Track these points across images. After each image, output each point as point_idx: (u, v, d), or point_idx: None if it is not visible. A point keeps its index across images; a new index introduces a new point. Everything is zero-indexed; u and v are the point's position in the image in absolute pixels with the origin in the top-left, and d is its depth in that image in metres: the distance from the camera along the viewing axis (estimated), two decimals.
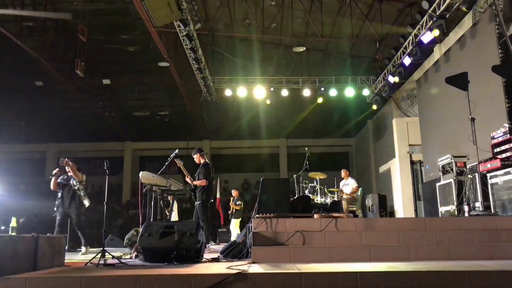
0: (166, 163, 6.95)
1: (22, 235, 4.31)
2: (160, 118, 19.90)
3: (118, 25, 12.56)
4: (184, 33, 10.20)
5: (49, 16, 9.20)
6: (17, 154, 19.89)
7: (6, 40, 10.92)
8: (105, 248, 4.95)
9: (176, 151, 7.09)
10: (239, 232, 10.59)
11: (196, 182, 7.26)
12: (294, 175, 9.17)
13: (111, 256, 5.01)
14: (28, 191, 18.64)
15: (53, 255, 4.46)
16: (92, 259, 4.84)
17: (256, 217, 5.60)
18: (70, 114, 18.45)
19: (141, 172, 6.29)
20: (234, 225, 11.83)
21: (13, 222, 4.70)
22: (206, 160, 7.50)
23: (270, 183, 6.06)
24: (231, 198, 12.27)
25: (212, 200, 7.79)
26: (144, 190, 6.44)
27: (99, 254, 4.85)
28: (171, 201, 10.08)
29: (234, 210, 11.98)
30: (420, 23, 10.00)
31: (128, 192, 19.73)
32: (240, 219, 11.94)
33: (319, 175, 9.23)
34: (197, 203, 7.24)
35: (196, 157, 7.51)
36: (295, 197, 7.49)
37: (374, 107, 14.00)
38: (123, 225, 15.48)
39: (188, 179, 7.32)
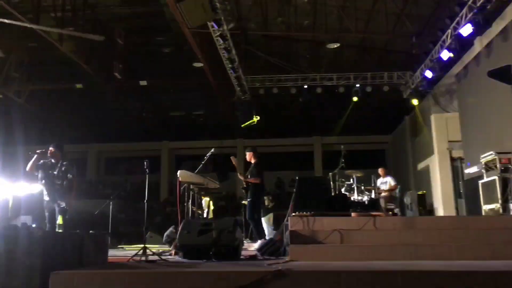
0: (203, 162, 7.06)
1: (69, 232, 4.51)
2: (195, 117, 20.19)
3: (153, 28, 12.82)
4: (218, 33, 10.30)
5: (84, 36, 9.55)
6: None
7: (48, 45, 11.36)
8: (146, 245, 5.09)
9: (212, 150, 7.22)
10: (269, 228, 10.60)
11: (250, 180, 7.32)
12: (330, 173, 9.09)
13: (152, 253, 5.14)
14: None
15: (97, 252, 4.63)
16: (134, 255, 4.99)
17: (293, 215, 5.60)
18: (109, 115, 19.00)
19: (179, 171, 6.41)
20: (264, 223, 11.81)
21: (60, 220, 4.91)
22: (257, 160, 7.57)
23: (306, 182, 6.07)
24: None
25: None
26: (182, 189, 6.56)
27: (141, 251, 4.98)
28: (208, 200, 10.23)
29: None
30: (459, 15, 9.68)
31: (166, 190, 20.15)
32: (270, 216, 11.88)
33: (356, 173, 9.11)
34: (248, 200, 7.32)
35: (249, 155, 7.57)
36: (331, 196, 7.44)
37: (415, 102, 13.66)
38: (161, 222, 15.79)
39: (241, 177, 7.40)
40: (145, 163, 5.74)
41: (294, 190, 5.97)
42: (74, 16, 11.11)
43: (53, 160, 6.49)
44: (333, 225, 5.26)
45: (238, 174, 7.49)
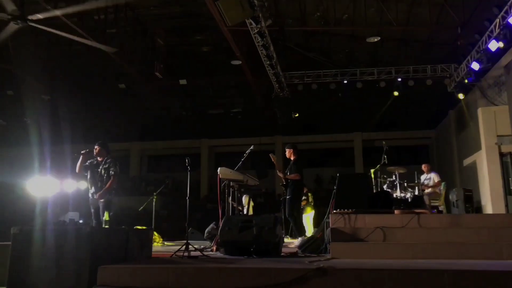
0: (242, 159, 7.11)
1: (114, 227, 4.67)
2: (234, 115, 20.34)
3: (192, 27, 13.00)
4: (256, 31, 10.32)
5: (97, 46, 9.82)
6: None
7: (92, 47, 11.76)
8: (188, 241, 5.19)
9: (252, 147, 7.26)
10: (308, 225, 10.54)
11: (290, 176, 7.36)
12: (371, 170, 8.92)
13: (194, 249, 5.24)
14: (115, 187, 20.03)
15: (141, 247, 4.77)
16: (177, 251, 5.10)
17: (334, 213, 5.56)
18: (151, 114, 19.48)
19: (219, 168, 6.49)
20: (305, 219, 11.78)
21: (106, 216, 5.09)
22: (297, 157, 7.58)
23: (347, 179, 6.00)
24: None
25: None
26: (222, 186, 6.64)
27: (183, 247, 5.09)
28: (244, 196, 10.31)
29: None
30: (508, 3, 9.22)
31: (206, 187, 20.46)
32: (308, 214, 11.83)
33: (398, 170, 8.90)
34: (287, 197, 7.34)
35: (288, 152, 7.63)
36: (373, 193, 7.31)
37: (461, 96, 13.17)
38: (202, 218, 16.06)
39: (280, 174, 7.45)
40: (186, 160, 5.85)
41: (335, 187, 5.91)
42: (116, 18, 11.46)
43: (99, 158, 6.77)
44: (375, 222, 5.18)
45: (277, 171, 7.53)
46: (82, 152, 6.65)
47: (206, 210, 17.29)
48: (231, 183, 6.65)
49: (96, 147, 6.78)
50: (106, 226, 4.99)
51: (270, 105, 15.01)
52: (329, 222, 5.40)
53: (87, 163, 6.77)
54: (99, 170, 6.74)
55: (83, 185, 13.09)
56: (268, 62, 11.95)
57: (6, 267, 3.97)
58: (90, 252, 3.85)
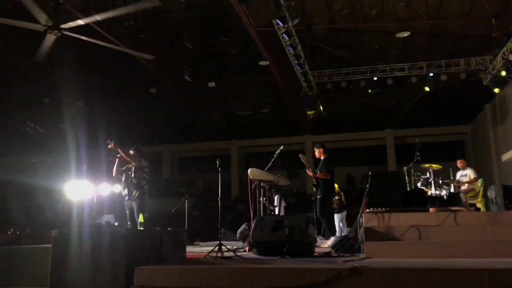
0: (272, 160, 7.11)
1: (149, 229, 4.78)
2: (263, 115, 20.37)
3: (219, 29, 13.12)
4: (283, 30, 10.30)
5: (136, 54, 10.11)
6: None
7: (123, 53, 12.05)
8: (221, 242, 5.23)
9: (281, 147, 7.25)
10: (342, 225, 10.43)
11: (319, 175, 7.36)
12: (404, 168, 8.75)
13: (227, 249, 5.28)
14: (149, 189, 20.43)
15: (175, 248, 4.85)
16: (210, 252, 5.16)
17: (367, 212, 5.49)
18: (181, 117, 19.77)
19: (249, 169, 6.52)
20: (337, 219, 11.65)
21: (141, 218, 5.20)
22: (327, 156, 7.55)
23: (379, 177, 5.91)
24: None
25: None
26: (253, 186, 6.66)
27: (217, 247, 5.13)
28: (277, 197, 10.30)
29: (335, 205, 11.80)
30: None
31: (236, 188, 20.56)
32: (343, 213, 11.71)
33: (433, 166, 8.68)
34: (318, 197, 7.32)
35: (318, 152, 7.62)
36: (407, 191, 7.17)
37: (497, 90, 12.73)
38: (233, 219, 16.16)
39: (310, 173, 7.45)
40: (217, 162, 5.92)
41: (367, 186, 5.83)
42: (145, 24, 11.68)
43: (134, 162, 7.03)
44: (410, 221, 5.08)
45: (307, 170, 7.50)
46: (117, 156, 6.88)
47: (237, 210, 17.39)
48: (262, 184, 6.66)
49: (130, 151, 7.07)
50: (141, 228, 5.09)
51: (299, 104, 14.94)
52: (362, 221, 5.34)
53: (123, 168, 7.07)
54: (131, 173, 6.89)
55: (117, 188, 13.43)
56: (296, 61, 11.90)
57: (47, 268, 4.12)
58: (126, 254, 3.95)
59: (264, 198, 6.90)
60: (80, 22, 8.19)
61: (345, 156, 20.16)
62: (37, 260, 4.59)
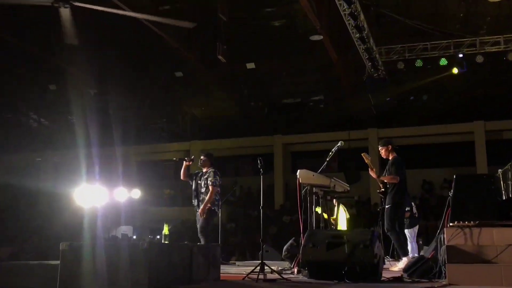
0: (328, 159, 7.07)
1: (176, 243, 4.87)
2: (314, 104, 20.29)
3: None
4: None
5: (173, 23, 10.36)
6: (160, 154, 22.31)
7: (144, 30, 12.32)
8: (264, 261, 5.26)
9: (339, 143, 7.19)
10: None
11: (386, 178, 7.24)
12: (499, 170, 8.49)
13: (270, 270, 5.30)
14: (173, 196, 20.85)
15: (208, 267, 4.93)
16: (250, 273, 5.20)
17: (450, 226, 5.37)
18: (213, 107, 19.97)
19: (299, 171, 6.50)
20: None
21: (165, 230, 5.30)
22: (396, 155, 7.44)
23: (467, 181, 5.74)
24: None
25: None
26: (302, 192, 6.65)
27: (258, 268, 5.17)
28: (335, 206, 10.25)
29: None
30: None
31: (281, 195, 20.58)
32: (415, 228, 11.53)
33: None
34: (386, 206, 7.22)
35: (384, 151, 7.50)
36: (503, 199, 6.95)
37: None
38: (278, 233, 16.21)
39: (374, 175, 7.36)
40: (258, 161, 5.96)
41: (451, 193, 5.69)
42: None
43: (204, 169, 7.75)
44: (507, 238, 4.94)
45: (371, 172, 7.37)
46: (185, 159, 7.77)
47: (282, 223, 17.43)
48: (314, 189, 6.64)
49: (201, 157, 7.80)
50: (166, 242, 5.21)
51: (362, 89, 14.78)
52: (443, 238, 5.24)
53: (192, 173, 7.83)
54: (199, 181, 7.66)
55: (136, 194, 13.78)
56: (358, 35, 11.79)
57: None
58: (148, 272, 4.04)
59: (318, 207, 6.87)
60: None
61: (420, 156, 19.70)
62: (43, 278, 4.77)
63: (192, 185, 7.80)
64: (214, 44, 12.24)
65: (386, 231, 7.29)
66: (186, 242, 4.76)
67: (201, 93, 18.59)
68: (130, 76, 16.26)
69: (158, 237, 7.27)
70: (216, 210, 7.77)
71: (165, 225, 5.35)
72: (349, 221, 10.89)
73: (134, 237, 10.95)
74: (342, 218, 10.51)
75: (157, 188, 20.36)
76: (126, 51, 15.07)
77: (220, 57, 12.06)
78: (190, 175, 7.82)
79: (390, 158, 7.45)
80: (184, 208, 17.14)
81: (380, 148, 7.60)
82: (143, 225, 15.54)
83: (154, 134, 21.07)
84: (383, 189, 7.37)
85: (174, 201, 20.62)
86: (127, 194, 13.22)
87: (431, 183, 19.41)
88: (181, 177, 7.90)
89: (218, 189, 7.67)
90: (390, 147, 7.50)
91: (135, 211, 14.80)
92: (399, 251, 7.35)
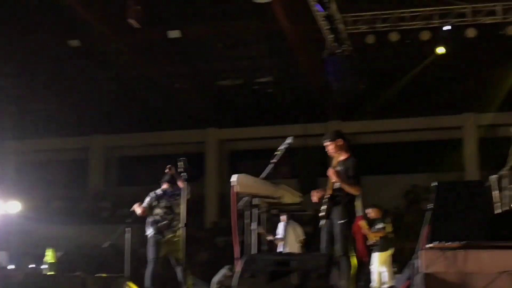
0: (275, 161, 7.10)
1: (64, 274, 4.77)
2: (260, 87, 20.32)
3: None
4: None
5: None
6: (46, 153, 21.76)
7: None
8: None
9: (289, 140, 7.18)
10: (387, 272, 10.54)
11: (347, 187, 7.06)
12: (492, 176, 8.83)
13: None
14: (65, 210, 20.34)
15: None
16: None
17: (428, 247, 5.54)
18: (121, 88, 19.64)
19: (235, 176, 6.48)
20: (379, 262, 11.77)
21: (50, 257, 5.17)
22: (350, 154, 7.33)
23: (451, 191, 5.93)
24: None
25: None
26: (240, 205, 6.66)
27: None
28: (282, 223, 10.37)
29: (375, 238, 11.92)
30: None
31: (214, 209, 20.57)
32: (389, 252, 11.86)
33: None
34: (338, 222, 7.16)
35: (333, 146, 7.34)
36: (495, 213, 7.23)
37: None
38: (209, 260, 16.23)
39: (333, 175, 7.15)
40: (179, 164, 5.92)
41: (428, 206, 5.87)
42: None
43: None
44: (499, 263, 5.15)
45: (331, 173, 7.21)
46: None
47: (215, 246, 17.46)
48: (256, 201, 6.67)
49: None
50: (51, 272, 5.09)
51: (322, 70, 14.96)
52: (419, 263, 5.38)
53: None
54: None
55: (15, 207, 13.41)
56: None
57: None
58: None
59: (259, 225, 6.90)
60: None
61: (392, 157, 20.21)
62: None
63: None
64: (123, 2, 12.10)
65: (337, 254, 7.22)
66: (78, 273, 4.67)
67: (106, 68, 18.26)
68: (7, 44, 15.76)
69: (43, 266, 7.00)
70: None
71: (49, 250, 5.21)
72: (303, 243, 11.03)
73: (11, 266, 10.66)
74: (291, 238, 10.61)
75: (42, 199, 19.86)
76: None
77: (131, 21, 11.91)
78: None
79: (343, 158, 7.30)
80: (79, 227, 16.86)
81: (326, 143, 7.37)
82: (24, 251, 15.13)
83: (39, 125, 20.52)
84: (332, 195, 7.18)
85: (65, 218, 20.06)
86: (2, 207, 12.91)
87: (417, 192, 19.73)
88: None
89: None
90: (342, 142, 7.35)
91: (13, 231, 14.40)
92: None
